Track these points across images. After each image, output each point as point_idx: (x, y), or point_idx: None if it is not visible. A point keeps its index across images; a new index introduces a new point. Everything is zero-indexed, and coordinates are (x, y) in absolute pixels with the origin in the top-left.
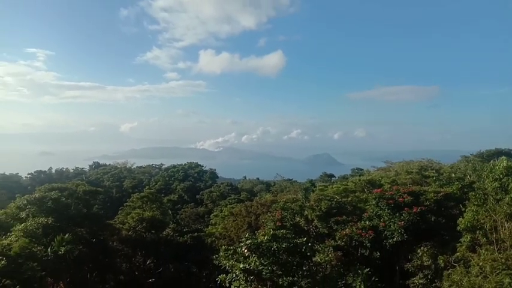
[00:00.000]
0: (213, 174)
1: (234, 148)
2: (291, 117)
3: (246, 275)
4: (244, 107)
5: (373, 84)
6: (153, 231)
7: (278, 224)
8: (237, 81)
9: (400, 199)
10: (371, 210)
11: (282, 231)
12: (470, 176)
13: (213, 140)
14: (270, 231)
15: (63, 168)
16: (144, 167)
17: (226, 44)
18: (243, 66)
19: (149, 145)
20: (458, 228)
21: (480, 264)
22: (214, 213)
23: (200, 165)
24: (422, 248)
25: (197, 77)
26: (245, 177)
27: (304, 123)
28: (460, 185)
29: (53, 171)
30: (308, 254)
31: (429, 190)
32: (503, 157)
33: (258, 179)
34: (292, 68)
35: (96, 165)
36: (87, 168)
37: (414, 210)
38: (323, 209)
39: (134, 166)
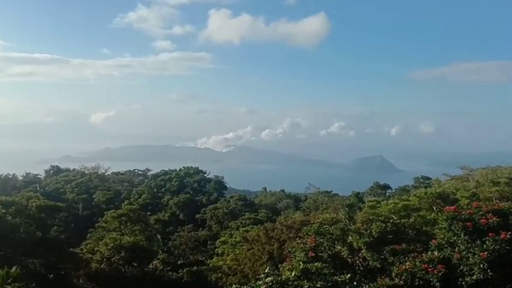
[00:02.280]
0: (220, 184)
1: (249, 147)
2: (332, 104)
3: None
4: (265, 89)
5: (447, 59)
6: (136, 264)
7: (311, 254)
8: (258, 53)
9: (483, 221)
10: (441, 236)
11: (316, 264)
12: None
13: (220, 135)
14: (300, 265)
15: (8, 174)
16: (123, 174)
17: (244, 2)
18: (268, 33)
19: (130, 142)
20: None
21: None
22: (221, 239)
23: (202, 171)
24: None
25: (202, 48)
26: (265, 188)
27: (350, 113)
28: None
29: None
30: None
31: None
32: None
33: (283, 191)
34: (337, 37)
35: (56, 171)
36: (42, 174)
37: (502, 236)
38: (374, 233)
39: (109, 172)
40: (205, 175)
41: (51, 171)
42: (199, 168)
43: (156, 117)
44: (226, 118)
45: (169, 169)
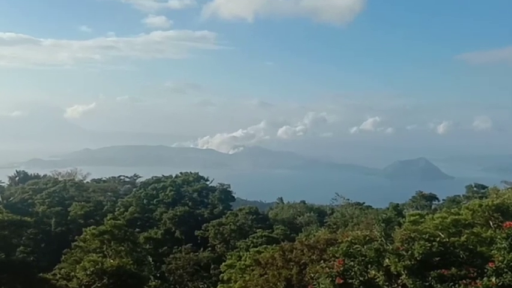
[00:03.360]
0: (226, 194)
1: (262, 148)
2: (365, 95)
3: None
4: (283, 77)
5: (507, 39)
6: None
7: (338, 281)
8: (275, 33)
9: None
10: (500, 259)
11: None
12: None
13: (226, 134)
14: None
15: None
16: (105, 181)
17: None
18: (289, 8)
19: (115, 142)
20: None
21: None
22: (228, 262)
23: (203, 177)
24: None
25: (205, 25)
26: (281, 199)
27: (387, 107)
28: None
29: None
30: None
31: None
32: None
33: (303, 202)
34: (374, 13)
35: (22, 177)
36: (5, 181)
37: None
38: (417, 255)
39: (88, 179)
40: (208, 183)
41: (17, 178)
42: (200, 174)
43: (147, 111)
44: (234, 112)
45: (163, 175)
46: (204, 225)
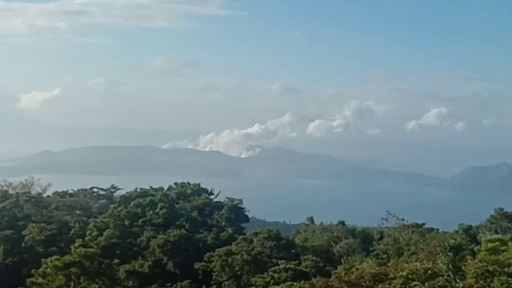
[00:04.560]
0: (237, 212)
1: (287, 150)
2: (427, 78)
3: None
4: (314, 53)
5: None
6: None
7: None
8: None
9: None
10: None
11: None
12: None
13: (238, 130)
14: None
15: None
16: (72, 195)
17: None
18: None
19: (86, 142)
20: None
21: None
22: None
23: (206, 190)
24: None
25: None
26: (311, 219)
27: (457, 94)
28: None
29: None
30: None
31: None
32: None
33: (342, 223)
34: None
35: None
36: None
37: None
38: None
39: (50, 192)
40: (212, 197)
41: None
42: (202, 185)
43: (130, 100)
44: (249, 101)
45: (151, 187)
46: (207, 254)
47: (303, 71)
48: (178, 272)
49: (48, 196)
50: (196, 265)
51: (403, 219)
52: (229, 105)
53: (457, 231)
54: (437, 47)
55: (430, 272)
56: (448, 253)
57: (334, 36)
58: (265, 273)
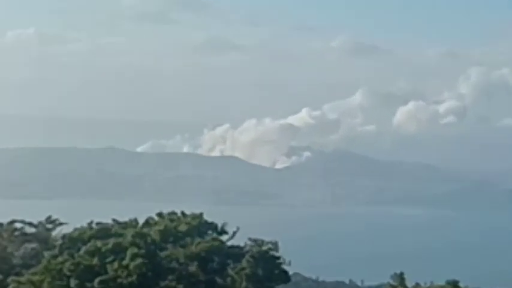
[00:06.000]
0: (269, 264)
1: (356, 155)
2: None
3: None
4: None
5: None
6: None
7: None
8: None
9: None
10: None
11: None
12: None
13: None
14: None
15: None
16: None
17: None
18: None
19: (8, 142)
20: None
21: None
22: None
23: (213, 224)
24: None
25: None
26: (401, 275)
27: None
28: None
29: None
30: None
31: None
32: None
33: (455, 285)
34: None
35: None
36: None
37: None
38: None
39: None
40: (225, 238)
41: None
42: (207, 216)
43: (81, 67)
44: (291, 69)
45: (115, 220)
46: None
47: (386, 17)
48: None
49: None
50: None
51: None
52: (255, 77)
53: None
54: None
55: None
56: None
57: None
58: None
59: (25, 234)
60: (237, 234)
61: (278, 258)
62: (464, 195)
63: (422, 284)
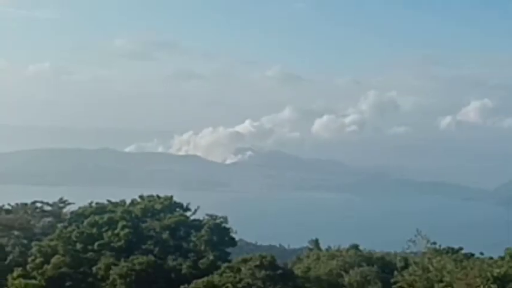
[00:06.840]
0: (221, 233)
1: (286, 154)
2: (469, 60)
3: None
4: (321, 29)
5: None
6: None
7: None
8: None
9: None
10: None
11: None
12: None
13: (223, 128)
14: None
15: None
16: (9, 211)
17: None
18: None
19: (24, 145)
20: None
21: None
22: None
23: (180, 204)
24: None
25: None
26: (316, 242)
27: (509, 81)
28: None
29: None
30: None
31: None
32: None
33: (356, 247)
34: None
35: None
36: None
37: None
38: None
39: None
40: (189, 214)
41: None
42: (176, 198)
43: (83, 91)
44: (237, 91)
45: (109, 201)
46: (182, 287)
47: (308, 54)
48: None
49: None
50: None
51: (434, 243)
52: (211, 97)
53: (502, 258)
54: (487, 19)
55: None
56: (492, 285)
57: (347, 9)
58: None
59: (43, 211)
60: (198, 212)
61: (228, 228)
62: (364, 184)
63: (332, 247)
